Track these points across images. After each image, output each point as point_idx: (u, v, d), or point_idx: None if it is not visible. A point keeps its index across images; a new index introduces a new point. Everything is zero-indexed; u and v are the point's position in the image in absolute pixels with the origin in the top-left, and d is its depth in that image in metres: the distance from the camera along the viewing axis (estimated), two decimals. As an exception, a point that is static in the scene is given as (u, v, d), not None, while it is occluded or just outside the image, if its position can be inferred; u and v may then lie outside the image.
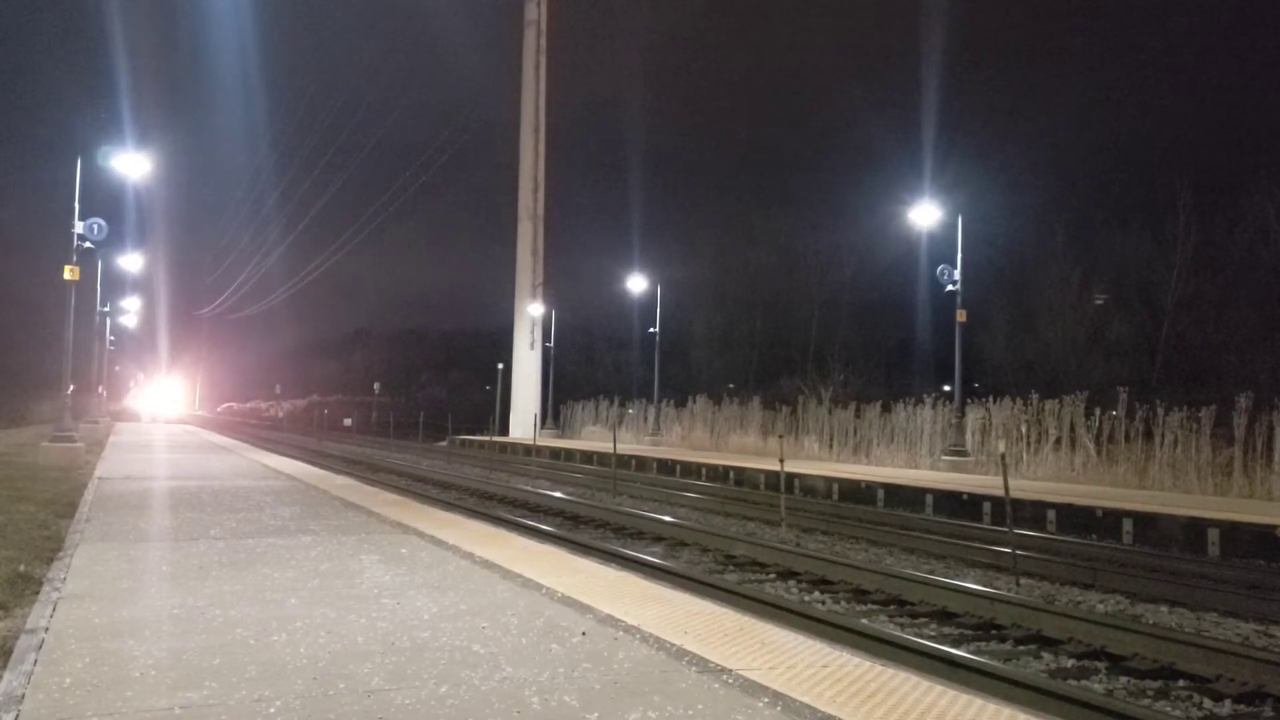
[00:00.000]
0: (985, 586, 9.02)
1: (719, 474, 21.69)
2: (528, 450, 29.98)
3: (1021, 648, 7.06)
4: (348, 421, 62.35)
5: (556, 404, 41.90)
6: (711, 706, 3.64)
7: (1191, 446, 16.88)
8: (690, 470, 22.94)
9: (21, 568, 6.95)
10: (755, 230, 49.45)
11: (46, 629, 4.62)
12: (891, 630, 7.31)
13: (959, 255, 22.33)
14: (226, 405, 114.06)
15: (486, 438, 37.89)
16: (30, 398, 46.14)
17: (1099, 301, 36.16)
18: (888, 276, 43.16)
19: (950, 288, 22.26)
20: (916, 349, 42.22)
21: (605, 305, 52.92)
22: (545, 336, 41.72)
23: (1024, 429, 20.07)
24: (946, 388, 28.41)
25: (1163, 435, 17.40)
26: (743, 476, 20.83)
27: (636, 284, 39.11)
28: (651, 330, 36.43)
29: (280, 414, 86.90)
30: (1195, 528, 12.05)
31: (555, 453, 30.50)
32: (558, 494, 17.85)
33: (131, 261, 39.43)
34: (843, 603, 8.66)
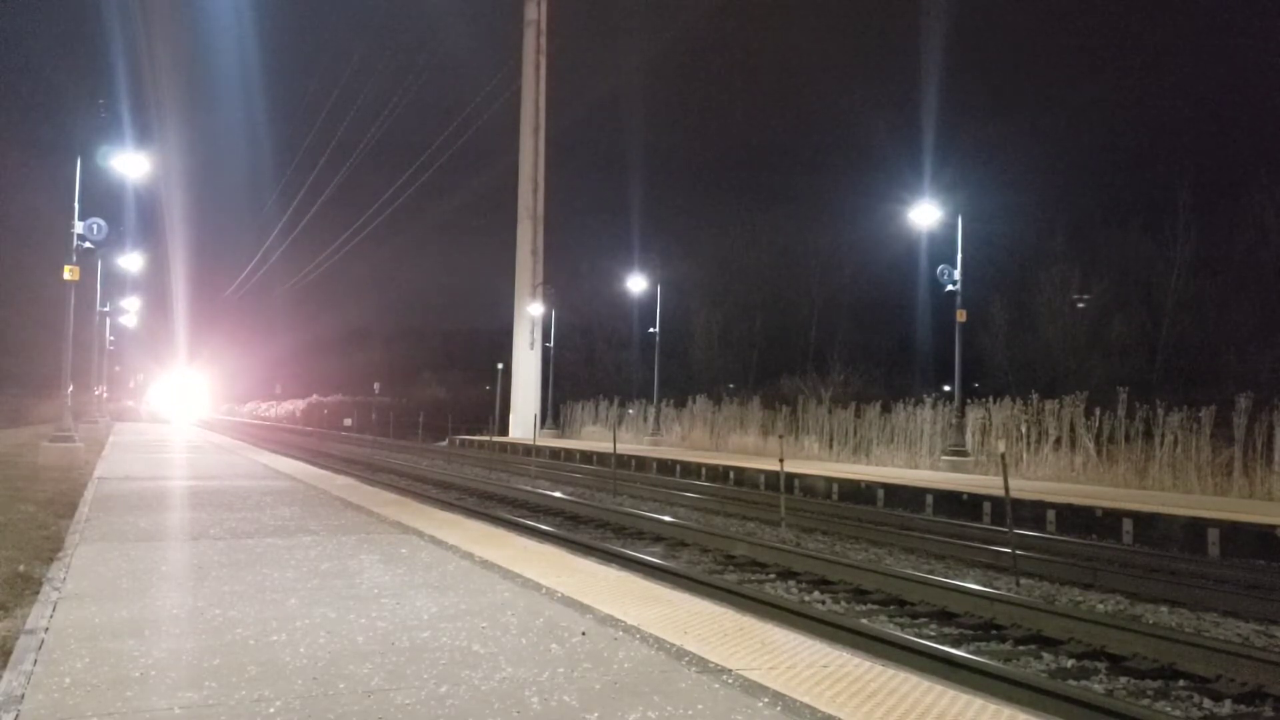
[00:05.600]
0: (985, 586, 9.02)
1: (719, 474, 21.69)
2: (527, 450, 29.96)
3: (1021, 648, 7.06)
4: (348, 421, 62.41)
5: (556, 404, 41.91)
6: (711, 706, 3.64)
7: (1191, 446, 16.88)
8: (690, 470, 22.94)
9: (21, 568, 6.95)
10: (755, 230, 49.50)
11: (46, 629, 4.62)
12: (891, 630, 7.31)
13: (959, 255, 22.34)
14: (228, 405, 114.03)
15: (486, 438, 37.90)
16: (30, 398, 46.14)
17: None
18: (888, 276, 43.21)
19: (950, 288, 22.26)
20: (916, 349, 42.26)
21: (605, 305, 52.94)
22: (545, 336, 41.72)
23: (1024, 429, 20.07)
24: (946, 388, 28.42)
25: (1163, 435, 17.40)
26: (743, 476, 20.84)
27: (636, 284, 39.13)
28: (651, 330, 36.43)
29: (279, 414, 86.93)
30: (1195, 528, 12.05)
31: (555, 453, 30.50)
32: (558, 494, 17.85)
33: (132, 261, 39.43)
34: (843, 603, 8.66)
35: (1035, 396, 20.54)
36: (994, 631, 7.56)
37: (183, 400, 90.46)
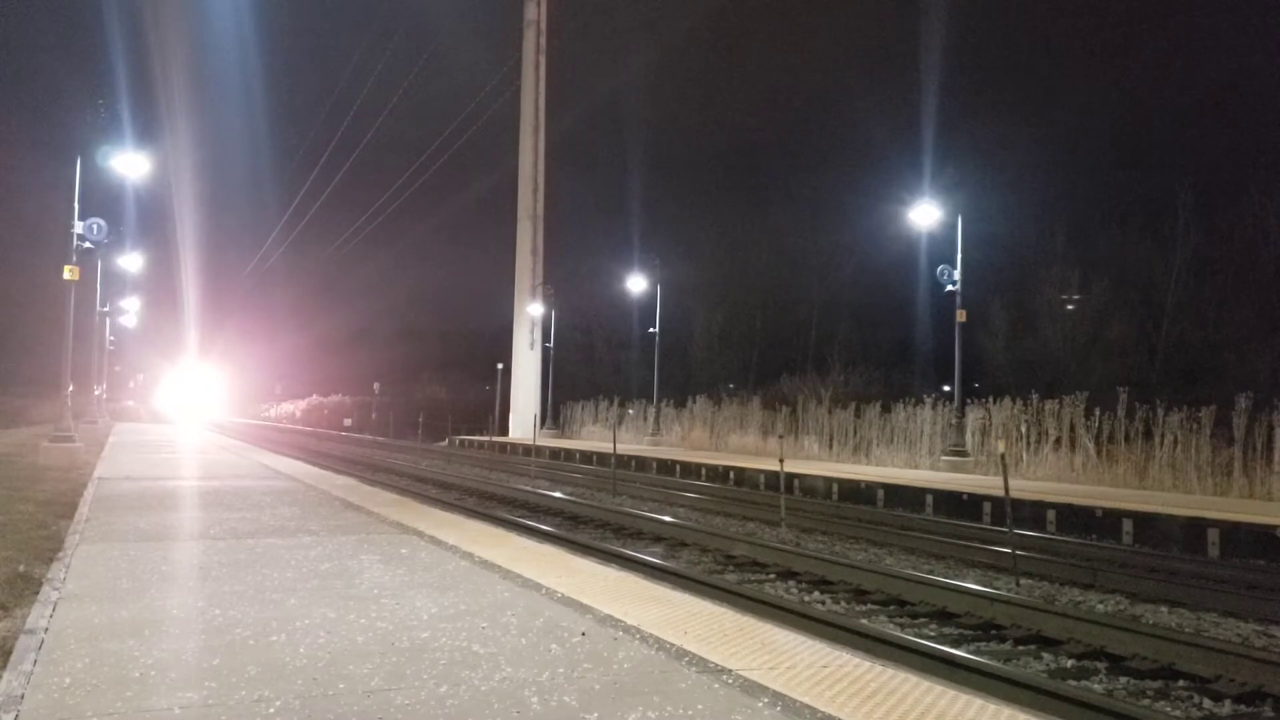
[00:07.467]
0: (985, 587, 9.02)
1: (719, 474, 21.69)
2: (527, 450, 29.95)
3: (1021, 648, 7.06)
4: (347, 421, 62.42)
5: (556, 404, 41.90)
6: (711, 706, 3.64)
7: (1191, 446, 16.88)
8: (690, 470, 22.94)
9: (21, 568, 6.95)
10: (755, 230, 49.52)
11: (46, 629, 4.62)
12: (891, 630, 7.31)
13: (959, 255, 22.34)
14: (229, 405, 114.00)
15: (486, 438, 37.91)
16: (30, 398, 46.15)
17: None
18: (888, 276, 43.14)
19: (950, 288, 22.27)
20: (916, 349, 42.24)
21: (605, 305, 52.92)
22: (545, 336, 41.72)
23: (1024, 429, 20.07)
24: (946, 388, 28.42)
25: (1162, 435, 17.40)
26: (742, 476, 20.83)
27: (636, 284, 39.10)
28: (651, 330, 36.42)
29: (279, 414, 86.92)
30: (1195, 528, 12.05)
31: (555, 453, 30.50)
32: (557, 494, 17.85)
33: (132, 261, 39.42)
34: (843, 603, 8.66)
35: (1035, 397, 20.53)
36: (994, 632, 7.56)
37: (185, 400, 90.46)
